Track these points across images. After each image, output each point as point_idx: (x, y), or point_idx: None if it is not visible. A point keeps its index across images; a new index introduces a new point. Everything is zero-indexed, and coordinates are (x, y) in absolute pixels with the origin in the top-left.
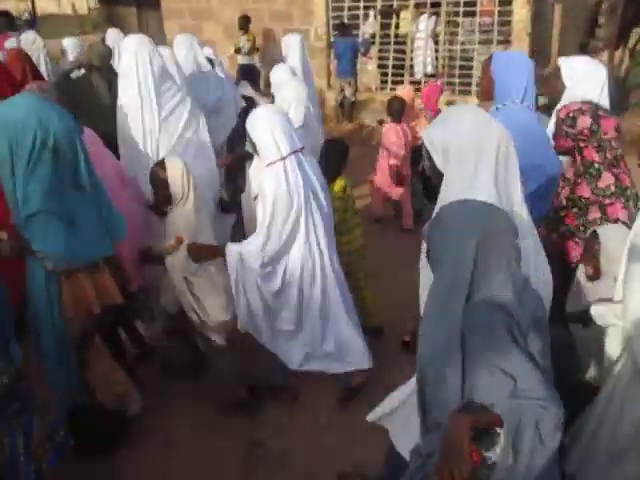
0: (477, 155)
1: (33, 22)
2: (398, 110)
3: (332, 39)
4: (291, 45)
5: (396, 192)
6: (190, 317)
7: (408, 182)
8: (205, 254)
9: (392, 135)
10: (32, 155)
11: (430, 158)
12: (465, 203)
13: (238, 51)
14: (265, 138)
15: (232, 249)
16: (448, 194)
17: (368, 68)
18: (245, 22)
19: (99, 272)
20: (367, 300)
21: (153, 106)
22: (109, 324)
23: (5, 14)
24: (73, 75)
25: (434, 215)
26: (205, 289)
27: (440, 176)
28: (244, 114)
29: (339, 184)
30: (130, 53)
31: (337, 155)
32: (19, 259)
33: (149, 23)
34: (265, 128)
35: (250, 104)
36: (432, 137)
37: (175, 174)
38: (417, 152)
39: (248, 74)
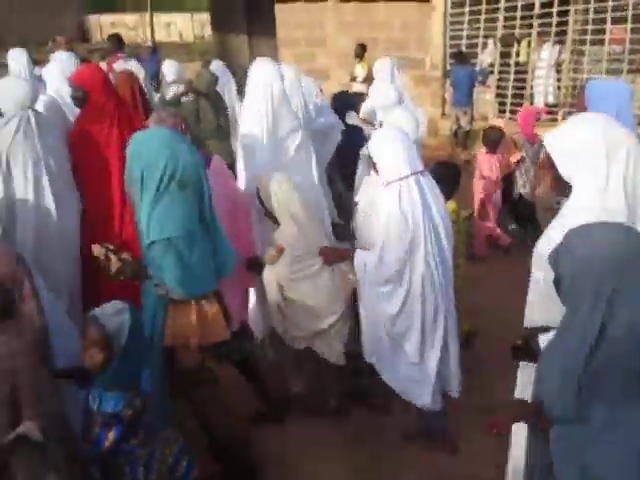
0: (607, 164)
1: (155, 50)
2: (494, 140)
3: (448, 67)
4: (380, 70)
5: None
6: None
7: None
8: (335, 256)
9: (485, 167)
10: (160, 186)
11: (553, 167)
12: (595, 228)
13: (353, 79)
14: (386, 158)
15: (360, 256)
16: (576, 207)
17: (485, 97)
18: (361, 50)
19: (209, 305)
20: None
21: (269, 128)
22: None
23: (115, 36)
24: (183, 99)
25: (562, 240)
26: (299, 301)
27: (565, 186)
28: (344, 143)
29: (450, 208)
30: (254, 76)
31: (450, 178)
32: (137, 281)
33: (260, 51)
34: (387, 148)
35: (351, 132)
36: (558, 145)
37: (263, 187)
38: (509, 180)
39: (347, 104)
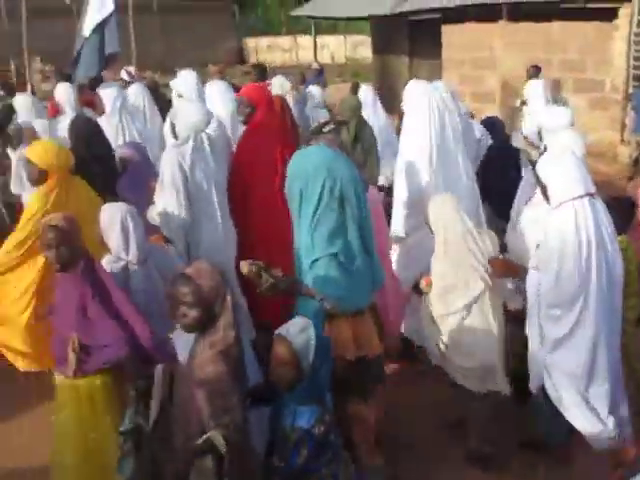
0: None
1: (321, 72)
2: None
3: (631, 90)
4: (532, 94)
5: None
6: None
7: None
8: (507, 270)
9: None
10: (320, 202)
11: None
12: None
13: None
14: (558, 178)
15: (534, 276)
16: None
17: None
18: (536, 72)
19: (362, 319)
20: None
21: (433, 140)
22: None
23: (259, 66)
24: (325, 129)
25: None
26: (453, 337)
27: None
28: (494, 162)
29: (620, 243)
30: (410, 94)
31: (623, 213)
32: (289, 298)
33: (420, 73)
34: (558, 168)
35: (506, 154)
36: None
37: (429, 207)
38: None
39: (491, 128)
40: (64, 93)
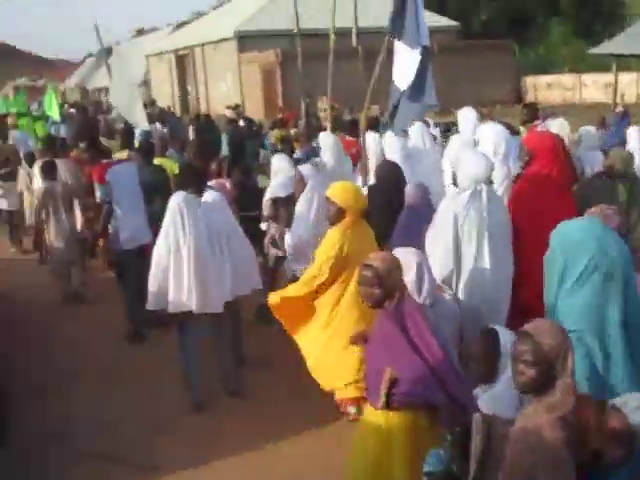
0: None
1: (626, 113)
2: None
3: None
4: None
5: None
6: None
7: None
8: None
9: None
10: (583, 274)
11: None
12: None
13: None
14: None
15: None
16: None
17: None
18: None
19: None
20: None
21: None
22: None
23: (530, 105)
24: (596, 182)
25: None
26: None
27: None
28: None
29: None
30: None
31: None
32: None
33: None
34: None
35: None
36: None
37: None
38: None
39: None
40: (372, 142)
